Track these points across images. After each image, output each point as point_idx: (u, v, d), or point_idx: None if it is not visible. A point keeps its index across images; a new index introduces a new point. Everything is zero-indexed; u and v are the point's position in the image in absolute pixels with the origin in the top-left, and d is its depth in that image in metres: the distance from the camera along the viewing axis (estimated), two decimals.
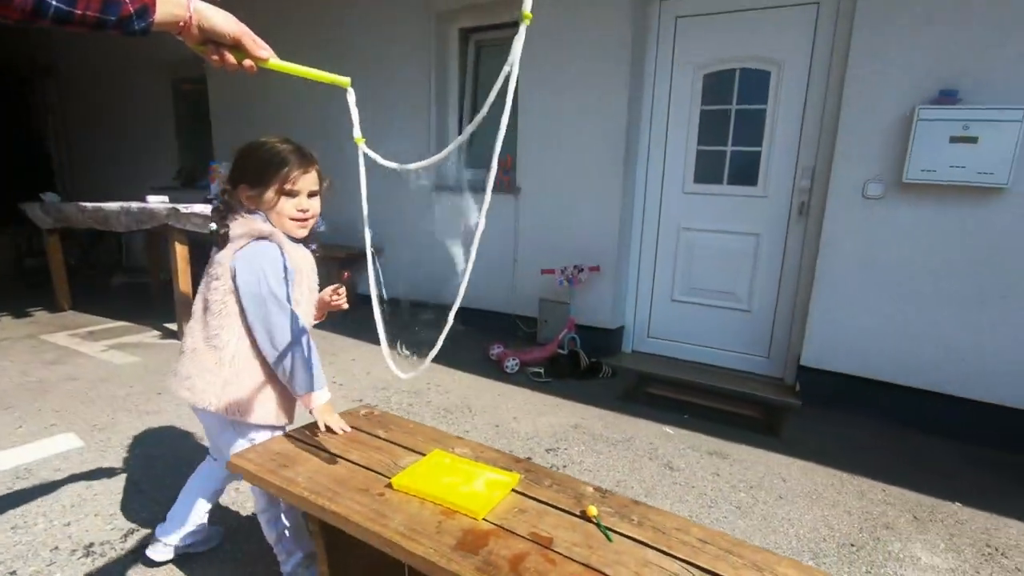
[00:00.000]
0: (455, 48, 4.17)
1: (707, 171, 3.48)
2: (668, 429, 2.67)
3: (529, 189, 3.83)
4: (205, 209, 3.44)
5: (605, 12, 3.39)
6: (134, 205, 3.61)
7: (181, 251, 3.48)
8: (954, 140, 2.54)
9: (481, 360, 3.53)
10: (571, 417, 2.76)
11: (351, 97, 1.06)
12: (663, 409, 2.92)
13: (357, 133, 1.07)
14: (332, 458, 1.23)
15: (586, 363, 3.37)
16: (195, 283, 3.54)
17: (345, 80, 1.05)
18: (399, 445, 1.32)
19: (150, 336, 3.76)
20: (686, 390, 3.23)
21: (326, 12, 4.55)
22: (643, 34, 3.43)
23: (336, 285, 1.57)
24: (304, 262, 1.40)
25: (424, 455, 1.26)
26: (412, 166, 0.98)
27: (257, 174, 1.31)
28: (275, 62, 0.99)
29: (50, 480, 1.96)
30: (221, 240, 1.31)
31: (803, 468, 2.33)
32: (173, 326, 3.89)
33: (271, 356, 1.28)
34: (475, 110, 4.32)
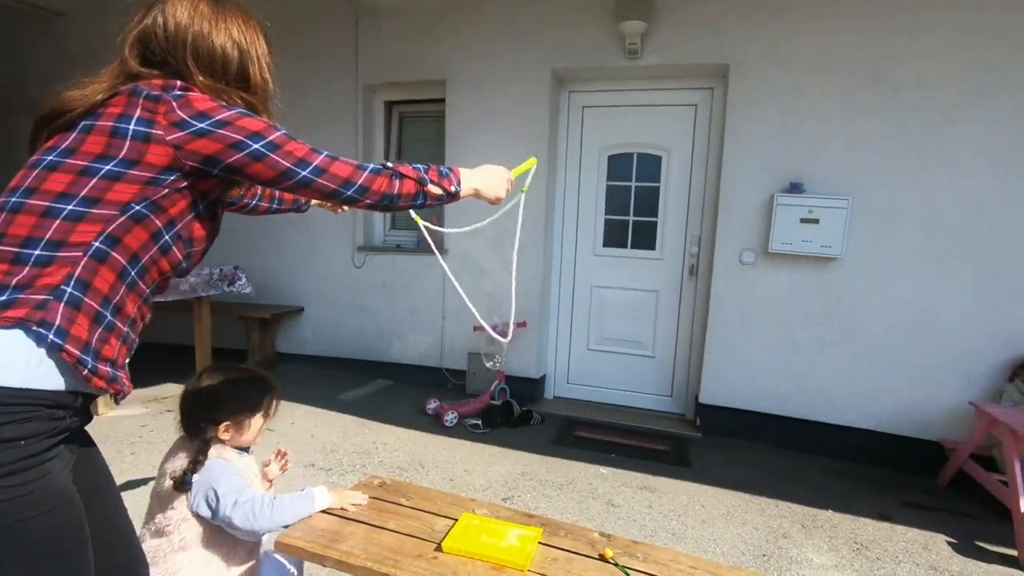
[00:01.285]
0: (380, 118, 4.41)
1: (614, 237, 4.03)
2: (602, 469, 3.04)
3: (455, 252, 4.12)
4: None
5: (527, 95, 3.86)
6: None
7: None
8: (803, 220, 3.28)
9: (417, 414, 3.69)
10: (516, 465, 3.03)
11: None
12: (592, 450, 3.30)
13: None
14: (376, 529, 1.40)
15: (518, 412, 3.68)
16: None
17: (532, 160, 1.57)
18: (426, 511, 1.52)
19: None
20: (608, 430, 3.65)
21: None
22: (556, 118, 3.94)
23: (276, 453, 1.66)
24: (248, 470, 1.45)
25: (450, 518, 1.47)
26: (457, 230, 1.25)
27: (246, 405, 1.42)
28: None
29: None
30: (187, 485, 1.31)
31: (715, 494, 2.80)
32: None
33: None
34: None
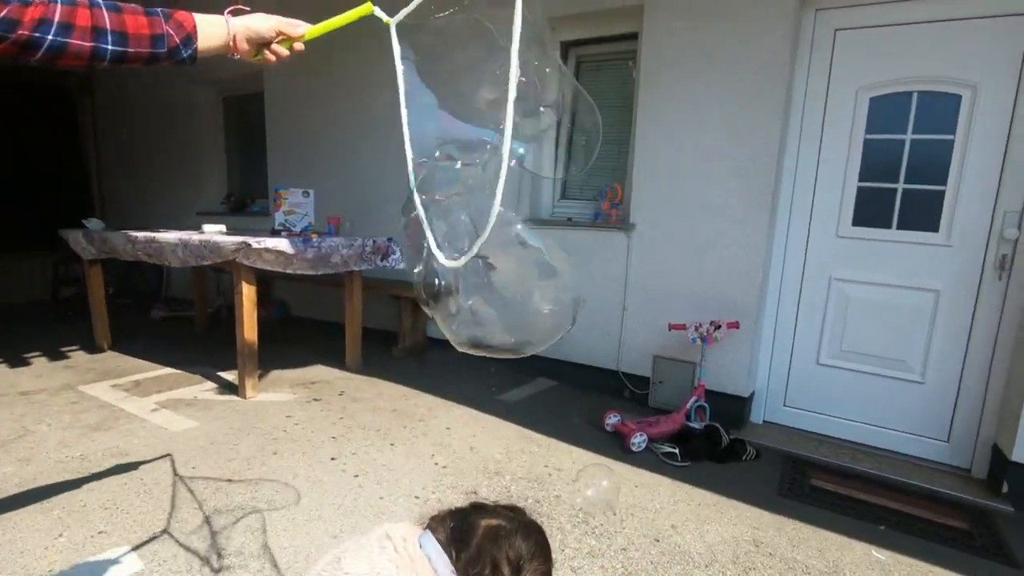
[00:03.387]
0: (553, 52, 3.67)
1: (870, 212, 2.91)
2: (876, 553, 2.06)
3: (645, 226, 3.28)
4: (280, 244, 2.94)
5: (756, 20, 2.87)
6: (194, 237, 3.13)
7: (249, 292, 2.98)
8: None
9: (592, 430, 2.96)
10: (740, 526, 2.17)
11: (392, 29, 0.99)
12: (846, 513, 2.32)
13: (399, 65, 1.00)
14: None
15: (727, 442, 2.78)
16: (260, 324, 3.10)
17: (367, 7, 0.98)
18: None
19: (205, 390, 3.25)
20: (859, 483, 2.61)
21: None
22: (792, 50, 2.90)
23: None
24: None
25: None
26: None
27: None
28: (311, 31, 1.04)
29: None
30: None
31: None
32: (230, 376, 3.38)
33: None
34: (573, 125, 3.82)
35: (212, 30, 0.95)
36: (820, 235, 3.03)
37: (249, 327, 3.01)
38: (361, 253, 3.40)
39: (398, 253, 3.57)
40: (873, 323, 2.93)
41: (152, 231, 3.50)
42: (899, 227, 2.84)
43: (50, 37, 0.80)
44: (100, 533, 1.85)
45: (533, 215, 3.74)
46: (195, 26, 0.93)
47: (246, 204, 5.49)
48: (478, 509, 1.11)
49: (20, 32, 0.78)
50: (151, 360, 3.77)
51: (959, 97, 2.66)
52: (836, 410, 3.06)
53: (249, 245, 2.86)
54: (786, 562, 1.96)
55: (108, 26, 0.84)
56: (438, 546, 0.99)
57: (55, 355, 3.86)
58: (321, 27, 1.03)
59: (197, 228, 3.63)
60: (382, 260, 3.53)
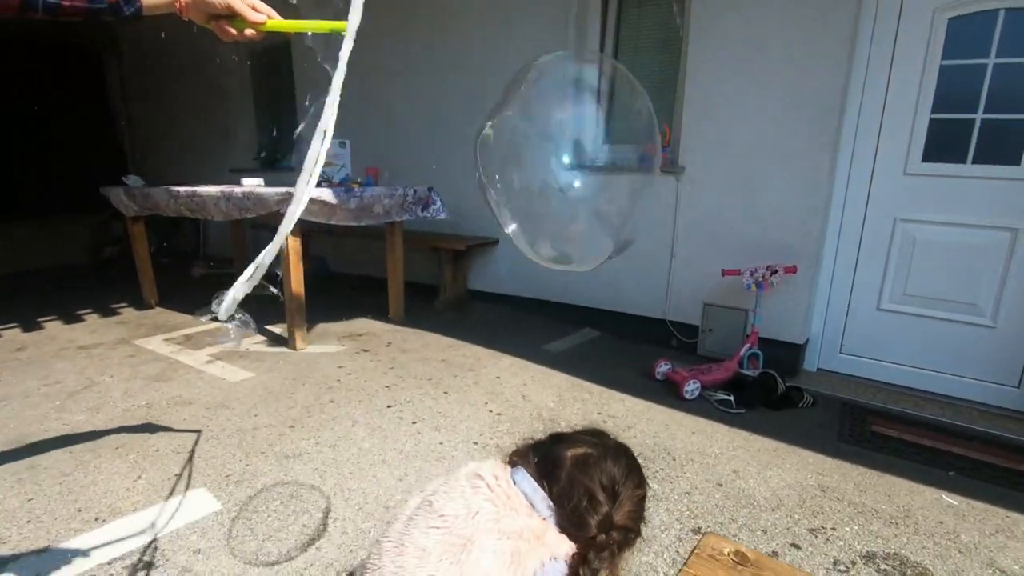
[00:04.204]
0: (598, 1, 3.46)
1: (943, 146, 2.72)
2: (947, 497, 2.01)
3: (696, 169, 3.14)
4: (323, 193, 2.90)
5: None
6: (237, 190, 3.11)
7: (294, 245, 2.97)
8: None
9: (643, 378, 2.93)
10: (803, 471, 2.13)
11: (345, 46, 0.88)
12: (911, 459, 2.26)
13: (336, 84, 0.87)
14: None
15: (783, 389, 2.72)
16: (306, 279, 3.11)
17: (341, 24, 0.91)
18: None
19: (255, 342, 3.29)
20: (923, 430, 2.53)
21: None
22: None
23: None
24: None
25: None
26: None
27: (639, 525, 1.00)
28: (273, 22, 1.00)
29: (193, 572, 1.47)
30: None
31: None
32: (278, 329, 3.43)
33: None
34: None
35: None
36: (885, 173, 2.85)
37: (296, 280, 3.01)
38: (403, 203, 3.35)
39: (439, 203, 3.50)
40: (941, 266, 2.78)
41: (193, 185, 3.49)
42: (975, 161, 2.65)
43: None
44: (176, 475, 1.90)
45: (577, 161, 3.60)
46: None
47: (277, 159, 5.45)
48: (560, 439, 1.07)
49: None
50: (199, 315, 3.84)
51: None
52: (896, 356, 2.96)
53: (293, 196, 2.82)
54: (854, 506, 1.92)
55: None
56: (532, 481, 0.96)
57: (106, 312, 3.96)
58: (286, 24, 0.99)
59: (233, 183, 3.61)
60: (423, 211, 3.47)
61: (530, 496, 0.94)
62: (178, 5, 0.96)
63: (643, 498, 1.01)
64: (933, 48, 2.66)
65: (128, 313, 3.95)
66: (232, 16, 0.97)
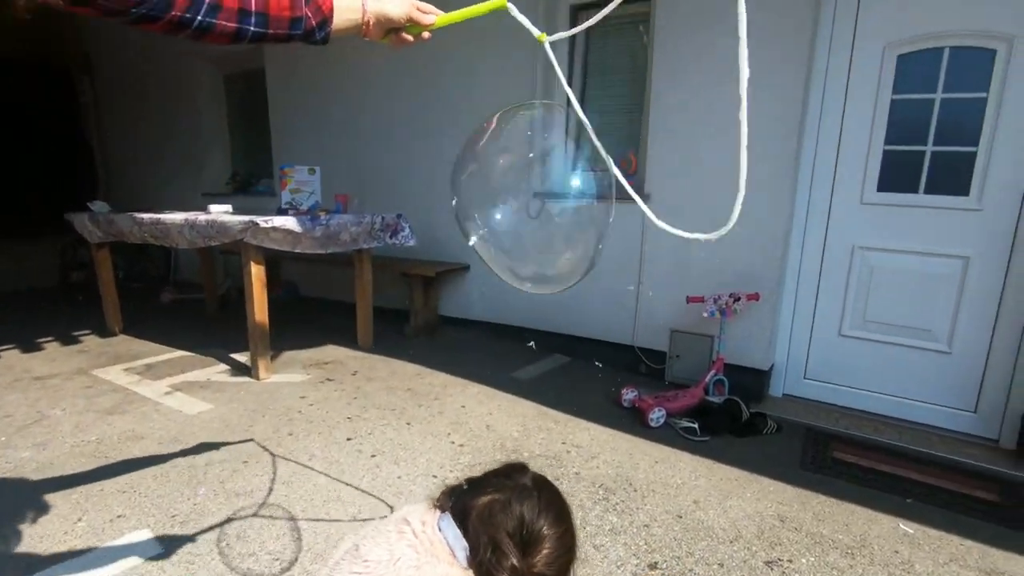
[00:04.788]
0: (565, 29, 3.53)
1: (897, 177, 2.80)
2: (904, 526, 2.02)
3: (661, 196, 3.19)
4: (287, 222, 2.89)
5: None
6: (201, 217, 3.07)
7: (258, 272, 2.94)
8: None
9: (610, 405, 2.92)
10: (764, 501, 2.13)
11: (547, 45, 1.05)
12: (870, 485, 2.27)
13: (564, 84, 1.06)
14: None
15: (747, 416, 2.73)
16: (269, 307, 3.07)
17: (501, 2, 1.01)
18: None
19: (218, 372, 3.23)
20: (883, 455, 2.56)
21: None
22: (815, 4, 2.75)
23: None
24: None
25: None
26: None
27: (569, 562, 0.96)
28: (441, 18, 1.04)
29: None
30: None
31: None
32: (243, 357, 3.36)
33: None
34: (583, 98, 3.71)
35: (348, 14, 0.96)
36: (843, 202, 2.93)
37: (260, 308, 2.97)
38: (370, 230, 3.34)
39: (407, 230, 3.50)
40: (898, 293, 2.84)
41: (158, 212, 3.45)
42: (927, 191, 2.73)
43: (199, 18, 0.84)
44: (119, 517, 1.84)
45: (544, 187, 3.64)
46: (332, 8, 0.95)
47: (251, 183, 5.43)
48: (471, 485, 1.02)
49: (173, 13, 0.82)
50: (163, 343, 3.76)
51: (993, 52, 2.53)
52: (858, 382, 3.00)
53: (256, 224, 2.81)
54: (812, 537, 1.92)
55: (253, 8, 0.88)
56: (457, 530, 0.94)
57: (67, 340, 3.86)
58: (451, 16, 1.03)
59: (203, 209, 3.58)
60: (391, 237, 3.47)
61: (451, 543, 0.92)
62: (364, 28, 0.98)
63: (565, 533, 0.97)
64: (884, 83, 2.75)
65: (90, 341, 3.86)
66: (407, 26, 1.02)
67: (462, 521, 0.92)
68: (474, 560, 0.88)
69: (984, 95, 2.57)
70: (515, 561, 0.86)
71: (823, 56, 2.84)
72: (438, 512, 0.99)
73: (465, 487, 0.99)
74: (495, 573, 0.85)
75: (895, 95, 2.74)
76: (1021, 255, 2.56)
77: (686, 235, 0.91)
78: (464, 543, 0.91)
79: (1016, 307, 2.59)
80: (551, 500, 0.96)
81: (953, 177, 2.68)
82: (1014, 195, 2.55)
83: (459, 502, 0.95)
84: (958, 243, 2.69)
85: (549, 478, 1.06)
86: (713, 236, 0.90)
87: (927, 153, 2.71)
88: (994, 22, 2.50)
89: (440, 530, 0.94)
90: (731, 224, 0.84)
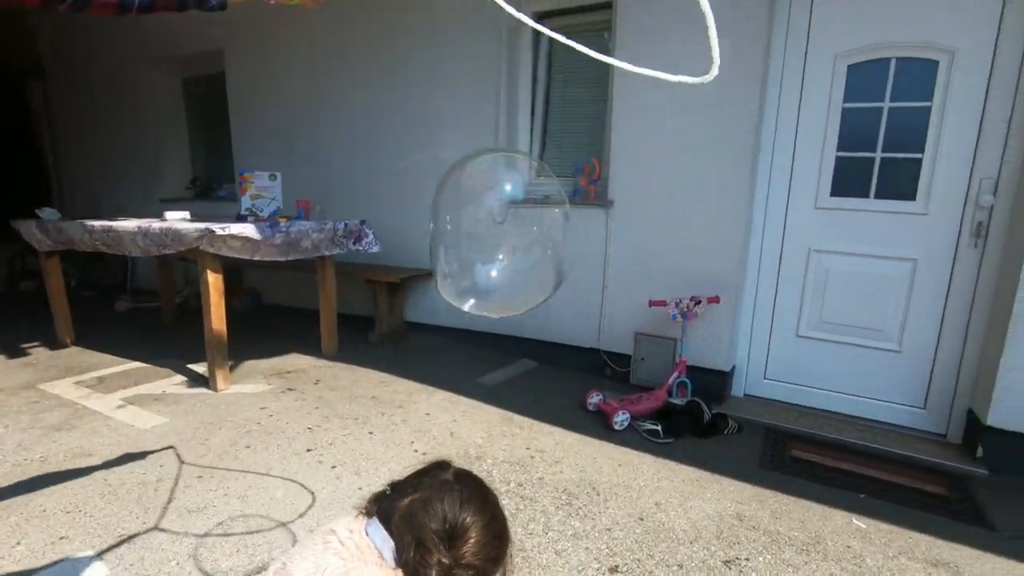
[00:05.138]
0: (528, 39, 3.55)
1: (848, 182, 2.89)
2: (857, 521, 2.07)
3: (624, 202, 3.23)
4: (246, 229, 2.82)
5: None
6: (155, 225, 2.98)
7: (215, 281, 2.86)
8: None
9: (575, 410, 2.93)
10: (724, 501, 2.16)
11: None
12: (826, 483, 2.33)
13: None
14: None
15: (708, 417, 2.78)
16: (229, 315, 3.00)
17: None
18: None
19: (174, 383, 3.13)
20: (839, 453, 2.63)
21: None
22: (769, 14, 2.83)
23: None
24: None
25: None
26: None
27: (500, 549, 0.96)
28: None
29: None
30: None
31: None
32: (200, 368, 3.27)
33: None
34: (548, 103, 3.73)
35: None
36: (799, 207, 3.01)
37: (217, 317, 2.89)
38: (333, 237, 3.29)
39: (371, 236, 3.46)
40: (851, 294, 2.93)
41: (110, 220, 3.34)
42: (877, 196, 2.83)
43: None
44: (61, 539, 1.76)
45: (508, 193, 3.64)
46: None
47: (212, 189, 5.29)
48: (395, 488, 1.02)
49: None
50: (117, 354, 3.62)
51: (936, 63, 2.64)
52: (816, 381, 3.08)
53: (213, 232, 2.73)
54: (769, 535, 1.96)
55: None
56: (384, 532, 0.93)
57: (14, 352, 3.69)
58: None
59: (160, 215, 3.47)
60: (355, 244, 3.42)
61: (379, 547, 0.92)
62: None
63: (491, 521, 0.96)
64: (836, 91, 2.84)
65: (39, 353, 3.70)
66: None
67: (387, 524, 0.92)
68: (401, 560, 0.88)
69: (928, 104, 2.67)
70: (440, 556, 0.86)
71: (778, 66, 2.91)
72: (365, 519, 0.98)
73: (389, 491, 0.98)
74: (422, 570, 0.86)
75: (846, 103, 2.83)
76: (963, 258, 2.66)
77: (672, 78, 0.81)
78: (391, 544, 0.90)
79: (960, 308, 2.70)
80: (473, 491, 0.96)
81: (901, 183, 2.78)
82: (957, 200, 2.65)
83: (384, 506, 0.95)
84: (907, 246, 2.78)
85: (513, 485, 1.07)
86: (698, 80, 0.80)
87: (876, 160, 2.81)
88: (936, 35, 2.60)
89: (368, 535, 0.93)
90: (714, 71, 0.76)
